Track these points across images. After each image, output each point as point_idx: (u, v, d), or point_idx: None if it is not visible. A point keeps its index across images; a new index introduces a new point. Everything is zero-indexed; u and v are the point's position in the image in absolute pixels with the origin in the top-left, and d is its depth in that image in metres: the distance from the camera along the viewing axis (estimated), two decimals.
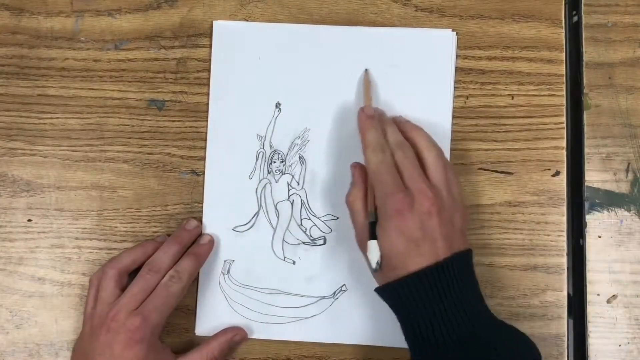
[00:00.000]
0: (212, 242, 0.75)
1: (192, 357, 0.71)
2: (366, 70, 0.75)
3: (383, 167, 0.66)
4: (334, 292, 0.75)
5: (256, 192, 0.75)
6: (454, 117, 0.75)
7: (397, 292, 0.64)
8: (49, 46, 0.78)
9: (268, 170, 0.76)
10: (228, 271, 0.75)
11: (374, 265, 0.65)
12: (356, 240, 0.70)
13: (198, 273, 0.75)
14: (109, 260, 0.72)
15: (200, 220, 0.75)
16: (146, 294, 0.69)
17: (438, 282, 0.63)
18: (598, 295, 0.74)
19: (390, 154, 0.67)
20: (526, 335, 0.66)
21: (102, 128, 0.77)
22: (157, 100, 0.77)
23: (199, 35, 0.77)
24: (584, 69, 0.76)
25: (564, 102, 0.75)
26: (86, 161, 0.77)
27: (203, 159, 0.76)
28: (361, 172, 0.71)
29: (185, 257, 0.72)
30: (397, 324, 0.69)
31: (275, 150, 0.76)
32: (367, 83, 0.74)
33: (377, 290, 0.67)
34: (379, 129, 0.69)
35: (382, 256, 0.65)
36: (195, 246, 0.74)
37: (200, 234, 0.75)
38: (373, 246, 0.65)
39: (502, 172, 0.75)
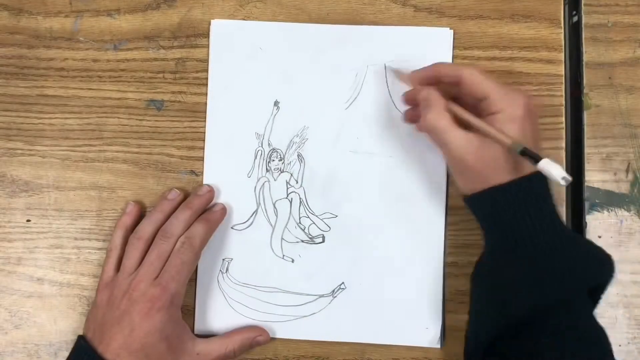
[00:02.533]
0: (224, 209, 0.75)
1: (213, 343, 0.71)
2: (387, 66, 0.76)
3: (487, 74, 0.65)
4: (333, 291, 0.74)
5: (255, 190, 0.75)
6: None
7: (505, 197, 0.63)
8: (48, 46, 0.78)
9: (267, 169, 0.76)
10: (227, 270, 0.75)
11: (564, 179, 0.58)
12: (450, 159, 0.67)
13: (197, 273, 0.75)
14: (135, 231, 0.72)
15: None
16: (163, 260, 0.69)
17: (541, 189, 0.63)
18: None
19: None
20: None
21: (101, 128, 0.77)
22: (156, 100, 0.77)
23: (198, 36, 0.77)
24: (584, 69, 0.76)
25: (563, 103, 0.75)
26: (85, 161, 0.77)
27: (202, 159, 0.76)
28: (436, 92, 0.67)
29: (197, 222, 0.72)
30: (396, 322, 0.70)
31: (273, 149, 0.76)
32: (397, 72, 0.74)
33: (476, 197, 0.66)
34: None
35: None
36: (207, 212, 0.74)
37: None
38: (549, 163, 0.59)
39: None
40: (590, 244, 0.66)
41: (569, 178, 0.58)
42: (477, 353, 0.65)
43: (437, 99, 0.66)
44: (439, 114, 0.66)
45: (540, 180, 0.63)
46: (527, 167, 0.63)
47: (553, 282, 0.61)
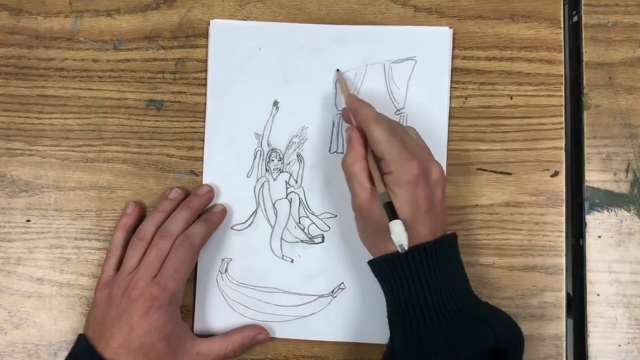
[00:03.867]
0: (224, 211, 0.75)
1: (212, 343, 0.71)
2: (337, 70, 0.76)
3: (391, 136, 0.65)
4: (333, 291, 0.74)
5: (254, 190, 0.76)
6: (452, 117, 0.75)
7: (395, 266, 0.64)
8: (47, 46, 0.78)
9: (266, 169, 0.76)
10: (226, 270, 0.75)
11: (401, 247, 0.61)
12: (353, 207, 0.68)
13: (196, 273, 0.75)
14: (137, 232, 0.72)
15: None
16: (161, 259, 0.69)
17: (436, 257, 0.63)
18: (598, 295, 0.74)
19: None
20: (508, 315, 0.67)
21: (101, 128, 0.77)
22: (155, 100, 0.77)
23: (198, 36, 0.77)
24: (583, 69, 0.76)
25: (563, 103, 0.75)
26: (85, 161, 0.77)
27: (202, 159, 0.76)
28: (359, 136, 0.68)
29: (197, 222, 0.72)
30: None
31: (273, 149, 0.76)
32: (342, 82, 0.74)
33: (374, 262, 0.67)
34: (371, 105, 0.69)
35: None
36: (207, 213, 0.74)
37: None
38: (398, 227, 0.61)
39: (500, 173, 0.75)
40: (489, 313, 0.66)
41: (405, 248, 0.60)
42: None
43: (357, 144, 0.68)
44: (354, 159, 0.67)
45: (434, 248, 0.64)
46: (417, 232, 0.64)
47: (439, 354, 0.62)
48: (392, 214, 0.62)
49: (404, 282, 0.64)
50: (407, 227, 0.62)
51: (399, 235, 0.60)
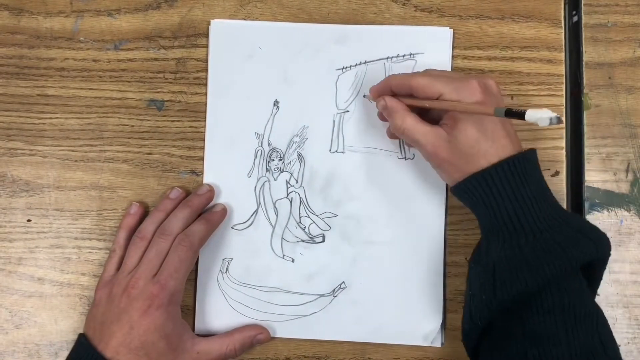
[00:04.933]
0: (225, 210, 0.75)
1: (213, 342, 0.71)
2: (364, 96, 0.76)
3: (435, 73, 0.66)
4: (333, 290, 0.75)
5: (255, 190, 0.76)
6: None
7: (486, 181, 0.63)
8: (48, 46, 0.78)
9: (267, 169, 0.76)
10: (227, 269, 0.75)
11: (556, 118, 0.55)
12: (427, 157, 0.67)
13: (197, 273, 0.75)
14: (137, 231, 0.72)
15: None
16: (161, 258, 0.69)
17: (526, 169, 0.63)
18: (598, 295, 0.73)
19: None
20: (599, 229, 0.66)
21: (102, 128, 0.77)
22: (156, 100, 0.77)
23: (199, 36, 0.78)
24: (584, 69, 0.76)
25: (564, 102, 0.75)
26: (85, 161, 0.77)
27: (202, 159, 0.76)
28: (393, 99, 0.68)
29: (197, 221, 0.72)
30: (396, 322, 0.70)
31: (273, 148, 0.76)
32: (368, 97, 0.74)
33: (459, 185, 0.66)
34: None
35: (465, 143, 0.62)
36: (208, 212, 0.74)
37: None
38: (535, 112, 0.56)
39: None
40: (583, 223, 0.65)
41: (559, 117, 0.55)
42: (474, 335, 0.66)
43: (395, 102, 0.68)
44: (403, 116, 0.67)
45: (520, 161, 0.63)
46: (501, 149, 0.63)
47: (540, 263, 0.61)
48: (519, 113, 0.58)
49: (497, 196, 0.63)
50: (491, 145, 0.63)
51: (547, 112, 0.56)
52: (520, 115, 0.57)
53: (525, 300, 0.62)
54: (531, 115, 0.56)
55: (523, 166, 0.63)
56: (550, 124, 0.55)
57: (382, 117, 0.73)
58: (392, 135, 0.74)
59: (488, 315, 0.64)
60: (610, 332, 0.63)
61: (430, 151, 0.66)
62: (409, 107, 0.68)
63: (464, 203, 0.68)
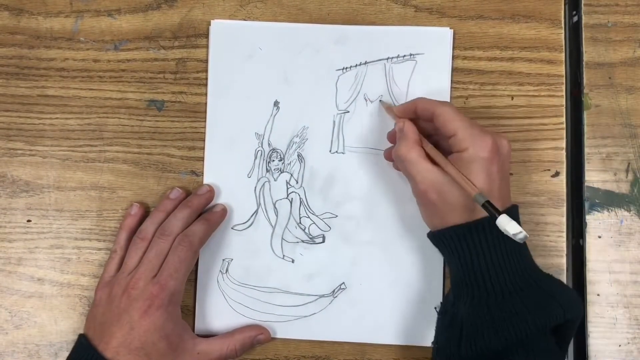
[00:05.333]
0: (224, 210, 0.75)
1: (213, 343, 0.71)
2: (380, 101, 0.76)
3: (460, 114, 0.66)
4: (333, 291, 0.74)
5: (255, 190, 0.76)
6: None
7: (464, 236, 0.64)
8: (48, 46, 0.78)
9: (267, 169, 0.76)
10: (227, 270, 0.75)
11: (522, 236, 0.58)
12: (416, 193, 0.68)
13: (196, 273, 0.75)
14: (138, 232, 0.72)
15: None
16: (161, 258, 0.69)
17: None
18: (598, 295, 0.74)
19: None
20: (573, 290, 0.67)
21: (102, 128, 0.77)
22: (156, 100, 0.77)
23: (199, 36, 0.77)
24: (584, 69, 0.76)
25: (564, 103, 0.75)
26: (85, 161, 0.77)
27: (202, 159, 0.76)
28: (411, 124, 0.68)
29: (197, 221, 0.72)
30: (396, 322, 0.70)
31: (273, 149, 0.76)
32: (386, 108, 0.74)
33: (442, 232, 0.66)
34: None
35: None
36: (207, 213, 0.74)
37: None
38: (507, 220, 0.58)
39: None
40: (555, 284, 0.66)
41: (525, 235, 0.58)
42: None
43: (411, 131, 0.68)
44: (410, 146, 0.67)
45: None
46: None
47: (506, 325, 0.61)
48: (493, 213, 0.60)
49: (473, 252, 0.63)
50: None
51: (514, 228, 0.58)
52: (493, 217, 0.59)
53: (491, 358, 0.62)
54: (500, 222, 0.59)
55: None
56: (515, 238, 0.58)
57: (391, 139, 0.74)
58: (389, 156, 0.74)
59: None
60: None
61: (421, 190, 0.66)
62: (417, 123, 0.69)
63: (439, 250, 0.69)
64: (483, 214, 0.62)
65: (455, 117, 0.65)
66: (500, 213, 0.59)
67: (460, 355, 0.63)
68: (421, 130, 0.69)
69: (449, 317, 0.66)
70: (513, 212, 0.65)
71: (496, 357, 0.62)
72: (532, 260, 0.66)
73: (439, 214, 0.66)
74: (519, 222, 0.64)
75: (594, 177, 0.75)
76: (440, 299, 0.74)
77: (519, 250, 0.64)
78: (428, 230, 0.69)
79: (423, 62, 0.75)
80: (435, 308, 0.72)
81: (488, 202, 0.60)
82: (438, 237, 0.67)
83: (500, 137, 0.66)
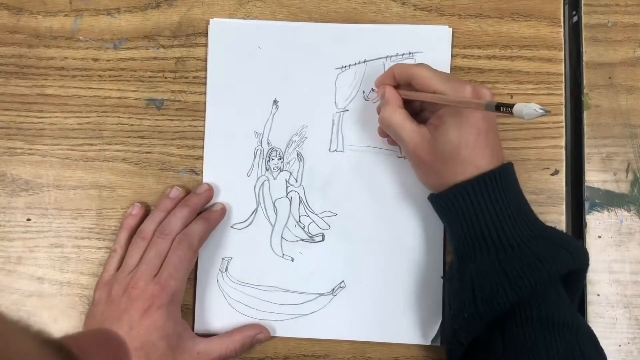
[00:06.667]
0: (224, 209, 0.75)
1: (213, 342, 0.71)
2: (372, 89, 0.76)
3: (436, 71, 0.66)
4: (333, 289, 0.74)
5: (254, 189, 0.75)
6: None
7: (468, 194, 0.64)
8: (47, 45, 0.78)
9: (266, 168, 0.76)
10: (226, 269, 0.75)
11: (543, 113, 0.54)
12: (407, 154, 0.69)
13: (196, 272, 0.75)
14: (138, 231, 0.72)
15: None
16: (161, 258, 0.69)
17: (505, 183, 0.63)
18: (598, 295, 0.74)
19: None
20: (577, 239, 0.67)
21: (101, 127, 0.77)
22: (156, 99, 0.77)
23: (198, 35, 0.77)
24: (583, 68, 0.76)
25: (563, 101, 0.75)
26: (85, 160, 0.77)
27: (202, 158, 0.76)
28: (392, 89, 0.70)
29: (196, 220, 0.72)
30: (396, 321, 0.69)
31: (273, 148, 0.76)
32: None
33: (440, 196, 0.66)
34: None
35: (453, 145, 0.62)
36: (207, 212, 0.74)
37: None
38: (522, 106, 0.55)
39: None
40: (560, 235, 0.66)
41: (547, 110, 0.55)
42: (457, 353, 0.66)
43: (392, 95, 0.69)
44: (393, 109, 0.68)
45: (501, 174, 0.64)
46: (480, 159, 0.64)
47: (519, 275, 0.61)
48: (509, 106, 0.56)
49: (477, 208, 0.63)
50: (470, 153, 0.63)
51: (530, 109, 0.55)
52: (509, 109, 0.56)
53: (504, 312, 0.62)
54: (518, 109, 0.56)
55: (504, 179, 0.64)
56: (536, 116, 0.55)
57: (382, 133, 0.74)
58: (383, 133, 0.74)
59: (473, 333, 0.64)
60: (595, 343, 0.63)
61: (410, 149, 0.67)
62: (405, 101, 0.69)
63: (439, 215, 0.69)
64: (475, 167, 0.63)
65: (431, 75, 0.66)
66: (513, 105, 0.56)
67: (479, 314, 0.63)
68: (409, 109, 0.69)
69: (457, 281, 0.66)
70: (509, 169, 0.65)
71: (509, 310, 0.62)
72: (534, 213, 0.66)
73: (433, 171, 0.66)
74: (516, 179, 0.66)
75: (594, 177, 0.75)
76: (441, 298, 0.73)
77: (520, 203, 0.65)
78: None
79: (422, 60, 0.75)
80: (442, 277, 0.72)
81: (500, 102, 0.58)
82: (441, 200, 0.66)
83: (481, 87, 0.65)
